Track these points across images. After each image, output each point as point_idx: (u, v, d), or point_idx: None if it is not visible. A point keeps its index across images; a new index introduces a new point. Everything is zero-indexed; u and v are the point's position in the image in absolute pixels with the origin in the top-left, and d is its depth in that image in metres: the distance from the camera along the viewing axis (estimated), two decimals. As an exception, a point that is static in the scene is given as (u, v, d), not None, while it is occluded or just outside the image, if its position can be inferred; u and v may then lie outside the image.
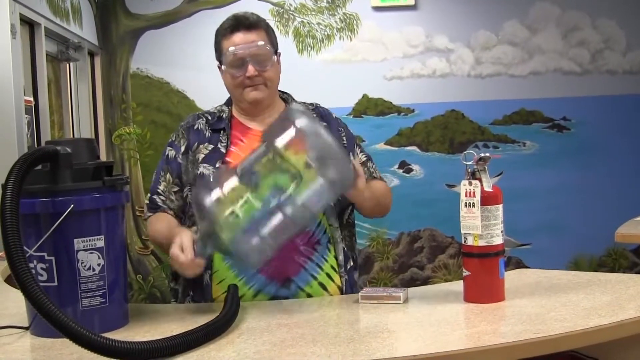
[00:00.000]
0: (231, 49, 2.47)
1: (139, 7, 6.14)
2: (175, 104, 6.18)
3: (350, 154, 2.64)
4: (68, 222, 1.86)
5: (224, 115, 2.60)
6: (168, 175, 2.55)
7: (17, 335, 1.94)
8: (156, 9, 6.14)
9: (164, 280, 6.20)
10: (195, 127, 2.59)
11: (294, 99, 2.72)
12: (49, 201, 1.86)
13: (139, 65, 6.16)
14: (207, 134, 2.57)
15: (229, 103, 2.66)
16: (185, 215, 2.52)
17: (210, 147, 2.53)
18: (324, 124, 2.63)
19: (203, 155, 2.51)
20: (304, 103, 2.70)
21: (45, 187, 1.87)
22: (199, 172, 2.49)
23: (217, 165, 2.48)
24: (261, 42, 2.49)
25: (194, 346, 1.73)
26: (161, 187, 2.55)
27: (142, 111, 6.18)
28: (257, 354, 1.72)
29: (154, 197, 2.55)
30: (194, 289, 2.48)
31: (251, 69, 2.47)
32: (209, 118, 2.61)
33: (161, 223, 2.48)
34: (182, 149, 2.56)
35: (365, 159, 2.68)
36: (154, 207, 2.54)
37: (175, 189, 2.53)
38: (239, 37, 2.49)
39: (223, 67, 2.52)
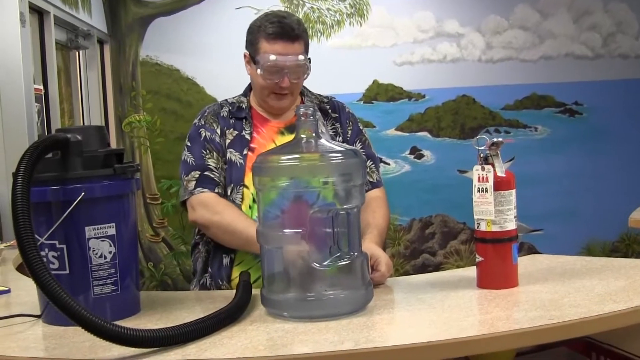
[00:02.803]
0: (272, 57, 2.49)
1: (147, -6, 6.14)
2: (185, 91, 6.18)
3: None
4: (79, 210, 1.85)
5: (243, 106, 2.66)
6: (214, 154, 2.55)
7: (29, 323, 1.93)
8: (165, -4, 6.14)
9: (175, 268, 6.22)
10: (221, 114, 2.63)
11: (310, 92, 2.77)
12: (60, 189, 1.85)
13: (148, 53, 6.16)
14: (231, 120, 2.62)
15: (246, 94, 2.71)
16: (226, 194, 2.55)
17: (235, 132, 2.59)
18: (335, 115, 2.67)
19: (229, 141, 2.57)
20: (320, 95, 2.75)
21: (56, 175, 1.86)
22: (227, 157, 2.55)
23: (245, 152, 2.54)
24: (301, 57, 2.52)
25: (206, 334, 1.73)
26: (211, 164, 2.53)
27: (152, 98, 6.18)
28: (269, 341, 1.71)
29: (207, 173, 2.52)
30: (212, 268, 2.58)
31: (286, 81, 2.52)
32: (230, 108, 2.65)
33: (241, 215, 2.46)
34: (218, 131, 2.59)
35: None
36: (211, 183, 2.51)
37: (225, 166, 2.55)
38: (282, 46, 2.50)
39: (258, 69, 2.53)
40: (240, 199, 2.51)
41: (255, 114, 2.65)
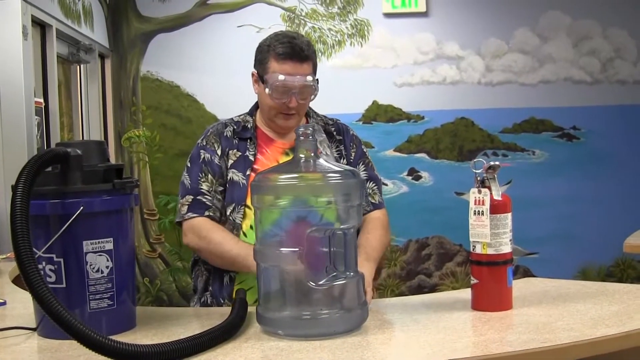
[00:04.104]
0: (281, 77, 2.49)
1: (150, 10, 6.16)
2: (185, 107, 6.20)
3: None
4: (77, 224, 1.86)
5: (249, 125, 2.66)
6: (210, 177, 2.57)
7: (24, 336, 1.94)
8: (167, 12, 6.16)
9: (171, 284, 6.21)
10: (225, 134, 2.64)
11: (315, 113, 2.78)
12: (59, 203, 1.86)
13: (149, 68, 6.18)
14: (235, 141, 2.63)
15: (251, 113, 2.72)
16: (223, 216, 2.56)
17: (239, 154, 2.60)
18: (339, 137, 2.69)
19: (232, 161, 2.59)
20: (325, 117, 2.76)
21: (55, 188, 1.87)
22: (229, 177, 2.57)
23: (247, 172, 2.55)
24: (310, 78, 2.53)
25: (201, 350, 1.73)
26: (204, 188, 2.55)
27: (152, 114, 6.19)
28: (264, 359, 1.71)
29: (199, 197, 2.54)
30: (213, 287, 2.59)
31: (294, 101, 2.53)
32: (235, 127, 2.66)
33: (227, 236, 2.48)
34: (219, 152, 2.60)
35: (365, 178, 2.71)
36: (201, 208, 2.54)
37: (221, 189, 2.57)
38: (291, 66, 2.51)
39: (267, 89, 2.53)
40: (241, 219, 2.52)
41: (260, 133, 2.66)
